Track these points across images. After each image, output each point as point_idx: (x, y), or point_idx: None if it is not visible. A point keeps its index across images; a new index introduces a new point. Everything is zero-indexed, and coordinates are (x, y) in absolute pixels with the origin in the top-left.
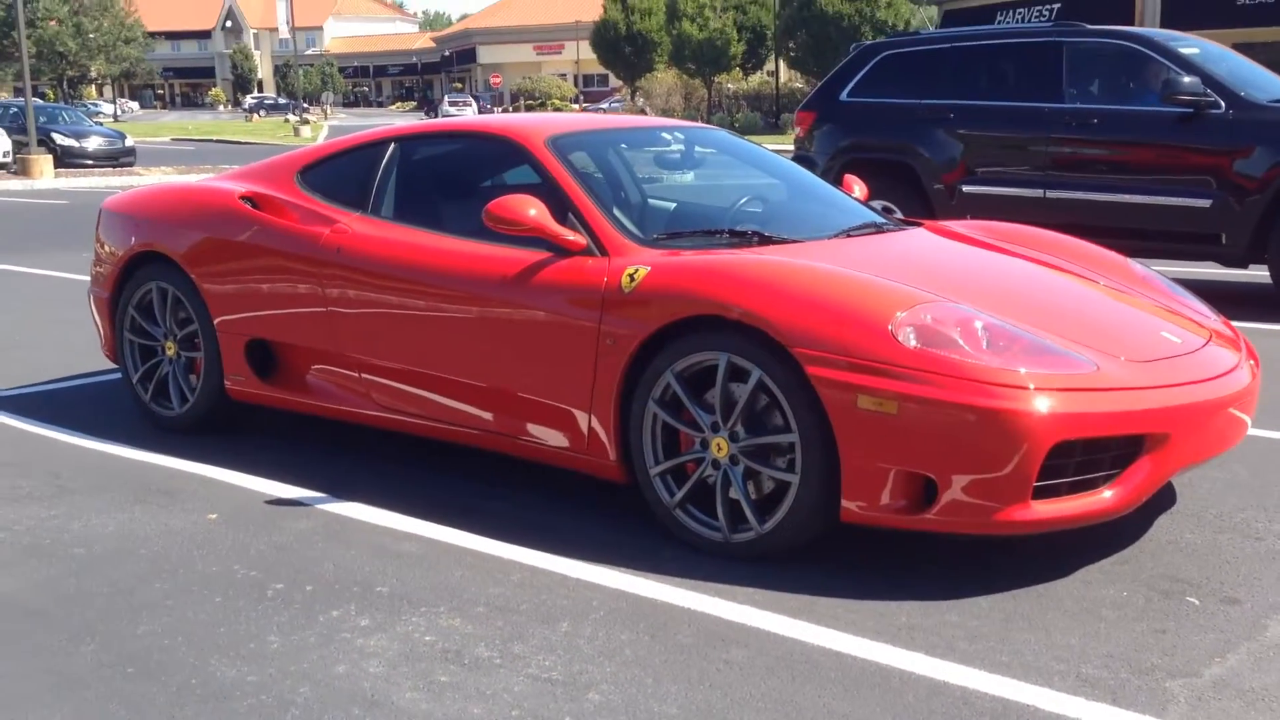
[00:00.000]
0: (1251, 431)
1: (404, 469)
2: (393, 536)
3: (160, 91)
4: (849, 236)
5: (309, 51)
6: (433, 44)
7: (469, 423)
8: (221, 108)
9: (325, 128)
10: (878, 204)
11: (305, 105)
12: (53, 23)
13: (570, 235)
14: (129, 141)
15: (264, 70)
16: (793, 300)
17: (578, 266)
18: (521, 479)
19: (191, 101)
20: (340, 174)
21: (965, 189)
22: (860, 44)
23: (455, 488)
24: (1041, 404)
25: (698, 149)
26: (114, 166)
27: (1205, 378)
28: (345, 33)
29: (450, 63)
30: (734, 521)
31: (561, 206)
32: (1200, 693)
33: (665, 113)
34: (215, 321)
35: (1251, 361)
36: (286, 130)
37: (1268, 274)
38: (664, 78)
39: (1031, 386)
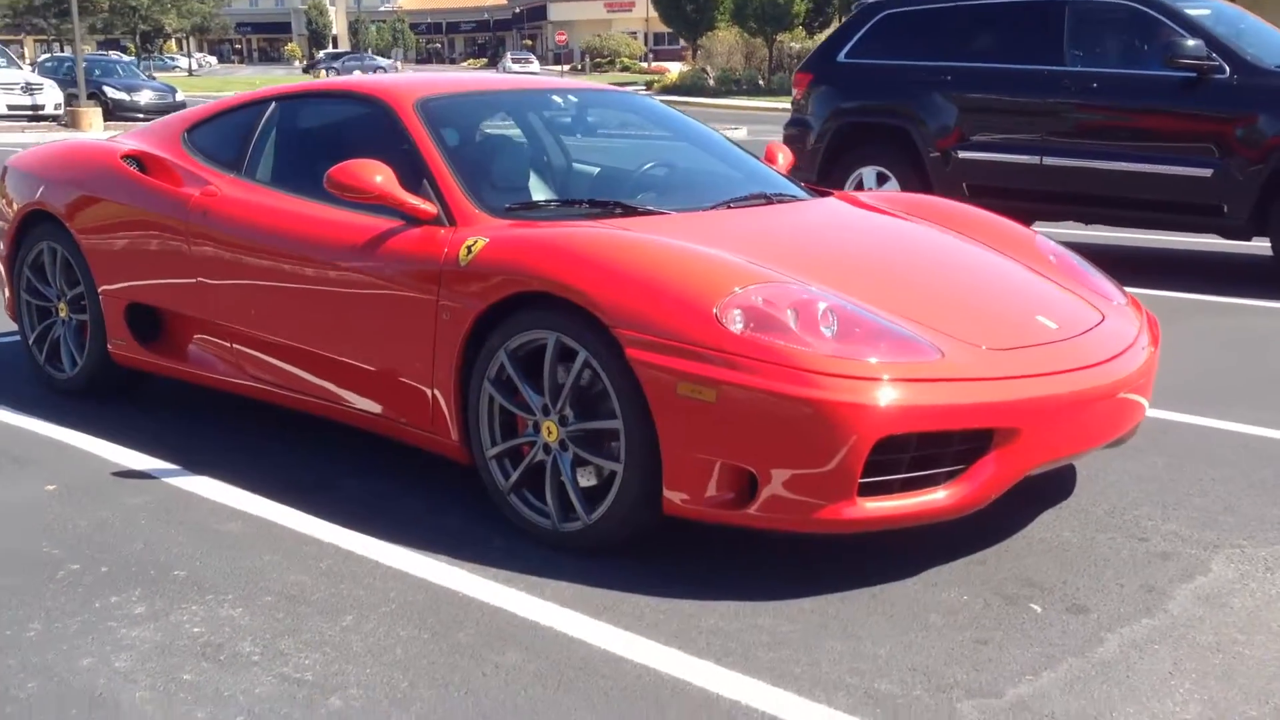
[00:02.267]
0: (1183, 418)
1: (271, 443)
2: (222, 515)
3: (238, 47)
4: (729, 208)
5: (383, 8)
6: (505, 1)
7: (328, 397)
8: (297, 63)
9: None
10: (870, 170)
11: (381, 66)
12: None
13: (417, 203)
14: (179, 96)
15: (339, 25)
16: (619, 277)
17: (426, 237)
18: (389, 458)
19: (268, 57)
20: (222, 134)
21: (961, 155)
22: (862, 2)
23: (316, 465)
24: (868, 395)
25: (593, 112)
26: None
27: (1074, 367)
28: None
29: (521, 20)
30: (564, 510)
31: (418, 173)
32: (991, 716)
33: (725, 73)
34: (97, 283)
35: (1150, 344)
36: None
37: (1269, 247)
38: (725, 36)
39: (859, 375)
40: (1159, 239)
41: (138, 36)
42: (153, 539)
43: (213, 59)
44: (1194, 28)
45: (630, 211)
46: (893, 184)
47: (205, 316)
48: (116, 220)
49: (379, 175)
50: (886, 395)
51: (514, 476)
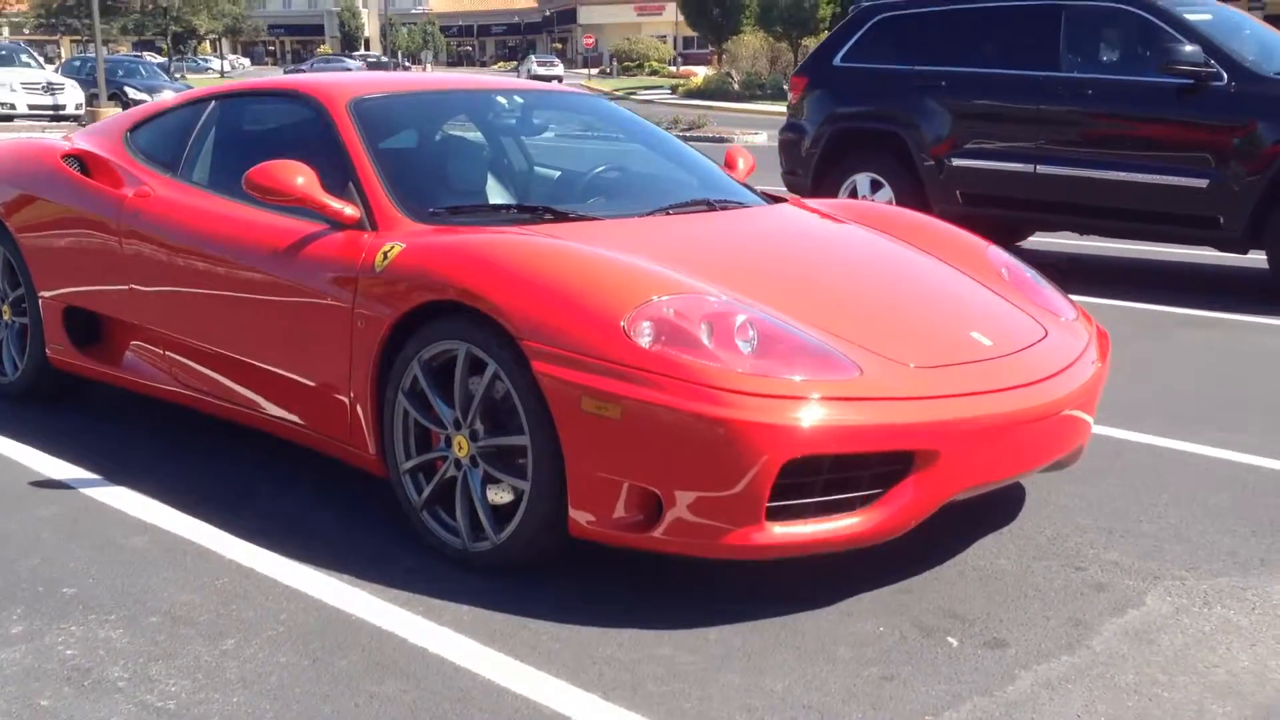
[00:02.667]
0: (1147, 439)
1: (200, 453)
2: (130, 528)
3: (271, 48)
4: (668, 214)
5: (415, 10)
6: (535, 4)
7: (254, 406)
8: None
9: None
10: (864, 178)
11: (407, 64)
12: None
13: (338, 206)
14: None
15: (371, 28)
16: (528, 287)
17: (347, 241)
18: (317, 470)
19: (302, 58)
20: (162, 134)
21: (954, 163)
22: (859, 5)
23: (241, 476)
24: (776, 414)
25: (541, 114)
26: None
27: (1004, 386)
28: None
29: (551, 23)
30: (475, 530)
31: (345, 175)
32: None
33: (750, 77)
34: (36, 286)
35: (1097, 360)
36: None
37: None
38: (750, 40)
39: (768, 394)
40: (1163, 251)
41: (169, 38)
42: (51, 554)
43: (246, 60)
44: (1192, 33)
45: (561, 217)
46: (887, 191)
47: (139, 322)
48: (54, 221)
49: (300, 177)
50: (796, 415)
51: (426, 492)
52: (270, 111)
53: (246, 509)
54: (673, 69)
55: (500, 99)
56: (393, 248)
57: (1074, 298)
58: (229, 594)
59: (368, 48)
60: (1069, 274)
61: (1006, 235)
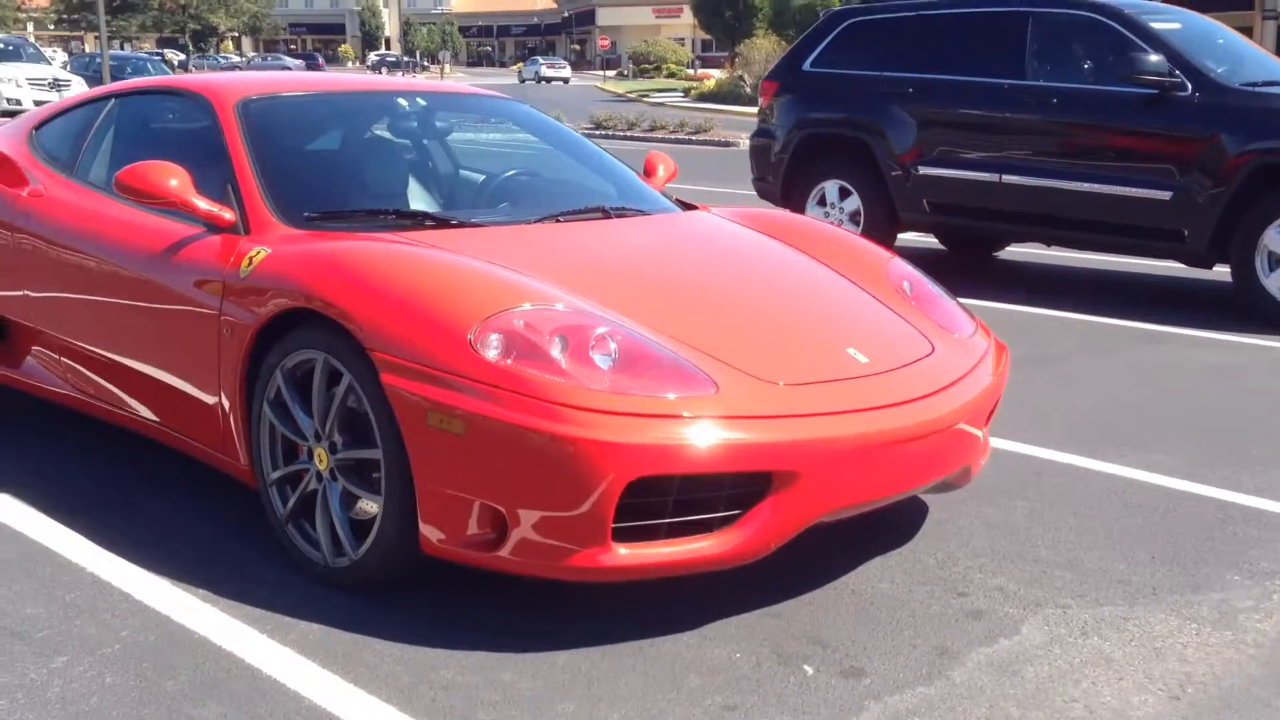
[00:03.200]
0: (1066, 459)
1: (87, 460)
2: None
3: (293, 47)
4: (558, 221)
5: (435, 10)
6: (555, 4)
7: (136, 412)
8: (351, 64)
9: None
10: (832, 185)
11: (425, 64)
12: None
13: (210, 209)
14: None
15: (392, 27)
16: (379, 296)
17: (221, 245)
18: (201, 479)
19: (312, 57)
20: (63, 132)
21: (920, 171)
22: (830, 9)
23: (124, 484)
24: (621, 433)
25: (445, 117)
26: None
27: (876, 405)
28: None
29: (570, 24)
30: (336, 545)
31: (224, 176)
32: None
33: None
34: None
35: (990, 378)
36: None
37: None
38: (763, 44)
39: (614, 411)
40: (1134, 264)
41: (187, 35)
42: None
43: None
44: (1157, 42)
45: (442, 224)
46: (854, 199)
47: (34, 325)
48: None
49: (174, 179)
50: (642, 434)
51: (289, 505)
52: (165, 110)
53: (120, 519)
54: (690, 72)
55: (401, 101)
56: (258, 253)
57: (1026, 309)
58: (76, 608)
59: (388, 46)
60: (1033, 286)
61: (983, 245)
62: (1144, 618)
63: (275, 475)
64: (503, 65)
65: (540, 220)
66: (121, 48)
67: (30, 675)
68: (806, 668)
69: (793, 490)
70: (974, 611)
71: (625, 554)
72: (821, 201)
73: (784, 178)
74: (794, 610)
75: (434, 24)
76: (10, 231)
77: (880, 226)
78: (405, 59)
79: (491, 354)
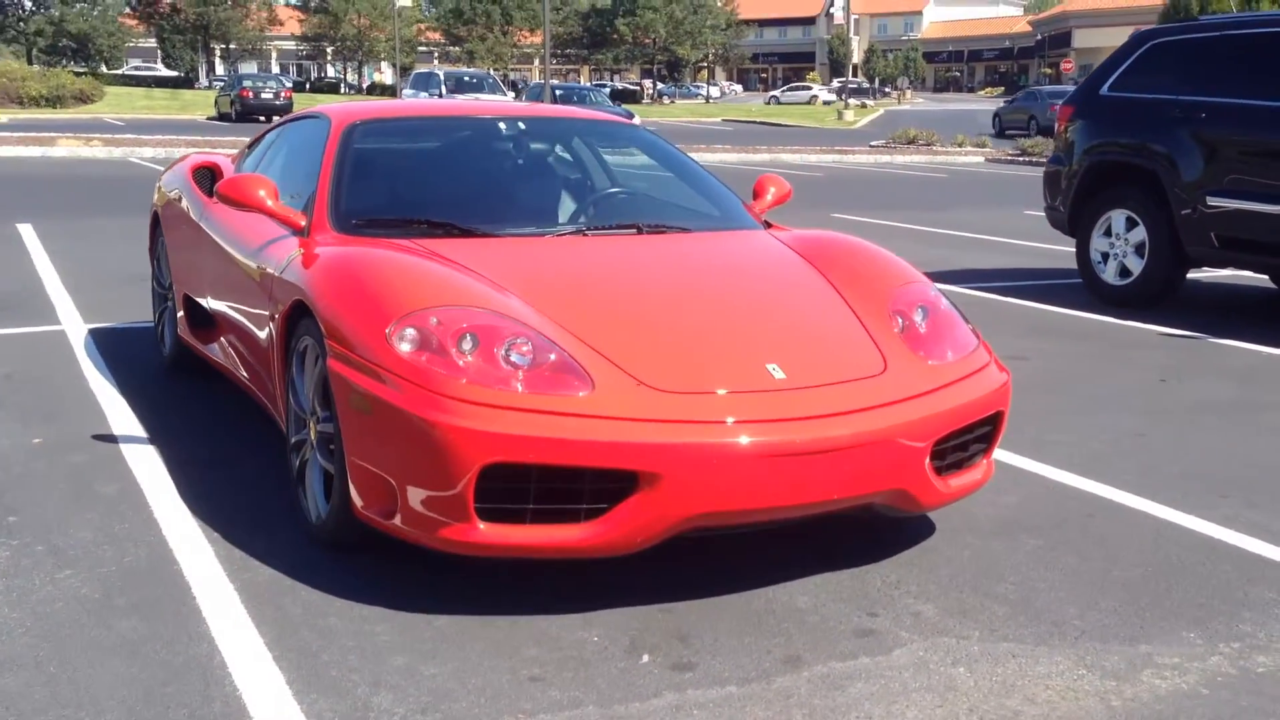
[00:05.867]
0: (1151, 508)
1: (233, 422)
2: None
3: (764, 75)
4: (584, 235)
5: (905, 37)
6: (1029, 27)
7: (255, 390)
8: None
9: (877, 113)
10: (1119, 215)
11: (886, 91)
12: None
13: (285, 214)
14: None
15: (859, 55)
16: (339, 293)
17: (286, 246)
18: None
19: (773, 84)
20: (256, 149)
21: (1211, 201)
22: (1138, 31)
23: (246, 445)
24: (481, 422)
25: (542, 140)
26: None
27: (767, 418)
28: (945, 17)
29: (1043, 46)
30: (317, 507)
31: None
32: None
33: None
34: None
35: (952, 403)
36: (830, 114)
37: None
38: None
39: (477, 402)
40: None
41: (655, 67)
42: None
43: (738, 87)
44: None
45: (466, 233)
46: (1140, 231)
47: (210, 309)
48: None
49: (261, 189)
50: (500, 424)
51: (294, 468)
52: (314, 132)
53: (215, 474)
54: None
55: (501, 124)
56: (296, 253)
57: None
58: (117, 539)
59: (855, 74)
60: None
61: None
62: (1031, 655)
63: (294, 439)
64: (970, 90)
65: (566, 234)
66: (610, 79)
67: (35, 581)
68: (645, 656)
69: (657, 491)
70: (864, 630)
71: (487, 531)
72: (1108, 232)
73: (1071, 206)
74: (689, 609)
75: (899, 50)
76: (197, 232)
77: (1165, 260)
78: (868, 85)
79: (404, 346)
